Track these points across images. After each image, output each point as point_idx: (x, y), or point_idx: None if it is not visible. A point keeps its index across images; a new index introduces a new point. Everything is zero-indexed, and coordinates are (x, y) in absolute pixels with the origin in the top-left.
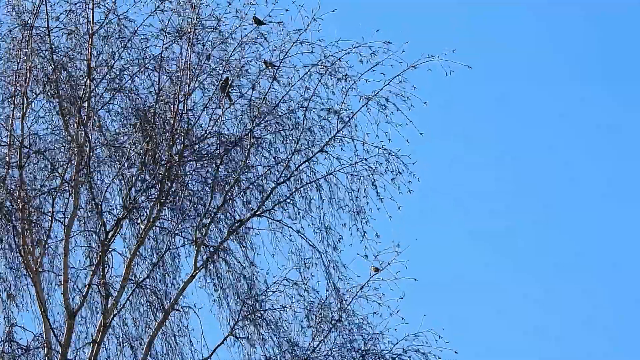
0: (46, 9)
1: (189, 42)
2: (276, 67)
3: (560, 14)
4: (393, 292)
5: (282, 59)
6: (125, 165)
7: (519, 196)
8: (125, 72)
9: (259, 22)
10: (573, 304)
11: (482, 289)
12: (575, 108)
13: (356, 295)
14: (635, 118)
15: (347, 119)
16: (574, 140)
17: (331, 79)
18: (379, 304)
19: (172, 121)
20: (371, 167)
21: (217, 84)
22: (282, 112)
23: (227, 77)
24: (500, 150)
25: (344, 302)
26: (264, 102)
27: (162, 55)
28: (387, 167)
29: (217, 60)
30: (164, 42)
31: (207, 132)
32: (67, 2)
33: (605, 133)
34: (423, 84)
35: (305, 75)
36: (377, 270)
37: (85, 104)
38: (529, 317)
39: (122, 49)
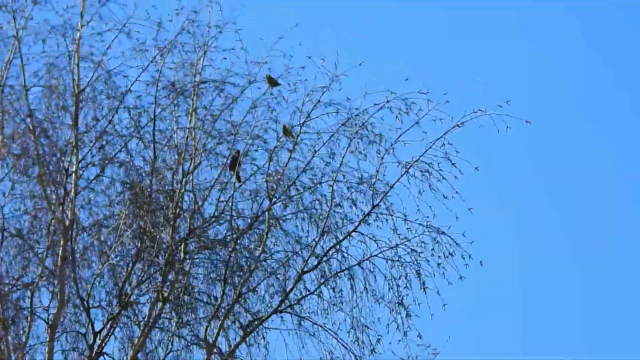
0: (21, 63)
1: (192, 105)
2: (296, 135)
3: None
4: None
5: (303, 123)
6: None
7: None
8: (117, 139)
9: (273, 83)
10: None
11: None
12: None
13: None
14: None
15: (384, 191)
16: None
17: (362, 142)
18: None
19: (172, 200)
20: (415, 251)
21: (226, 156)
22: (305, 186)
23: (237, 151)
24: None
25: None
26: (283, 174)
27: (156, 116)
28: (434, 249)
29: (226, 124)
30: (160, 104)
31: (216, 214)
32: (47, 55)
33: None
34: (471, 142)
35: (330, 140)
36: None
37: (72, 178)
38: None
39: (114, 111)
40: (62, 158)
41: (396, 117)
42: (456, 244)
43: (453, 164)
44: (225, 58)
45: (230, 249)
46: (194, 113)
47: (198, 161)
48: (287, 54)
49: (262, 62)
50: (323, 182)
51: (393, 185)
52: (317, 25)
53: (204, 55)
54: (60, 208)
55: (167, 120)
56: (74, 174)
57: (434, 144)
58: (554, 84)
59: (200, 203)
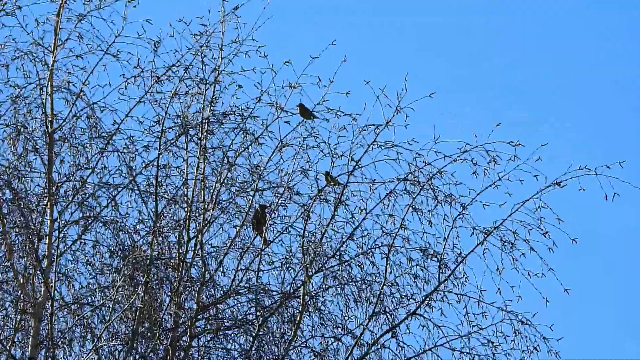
0: None
1: (200, 145)
2: (342, 187)
3: None
4: None
5: (352, 171)
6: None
7: None
8: (103, 190)
9: (307, 114)
10: None
11: None
12: None
13: None
14: None
15: (454, 264)
16: None
17: (428, 201)
18: None
19: (177, 270)
20: (490, 342)
21: (247, 211)
22: (351, 254)
23: (262, 206)
24: None
25: None
26: (324, 237)
27: (159, 164)
28: (514, 341)
29: (246, 170)
30: (160, 144)
31: (234, 287)
32: (13, 86)
33: None
34: (568, 207)
35: (388, 196)
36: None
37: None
38: None
39: (98, 155)
40: (33, 216)
41: (474, 172)
42: (543, 338)
43: (546, 232)
44: (241, 86)
45: (252, 334)
46: (203, 156)
47: (210, 218)
48: (324, 77)
49: (293, 86)
50: (375, 250)
51: (466, 257)
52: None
53: (216, 81)
54: (31, 281)
55: (171, 166)
56: (47, 237)
57: (521, 206)
58: None
59: (212, 272)
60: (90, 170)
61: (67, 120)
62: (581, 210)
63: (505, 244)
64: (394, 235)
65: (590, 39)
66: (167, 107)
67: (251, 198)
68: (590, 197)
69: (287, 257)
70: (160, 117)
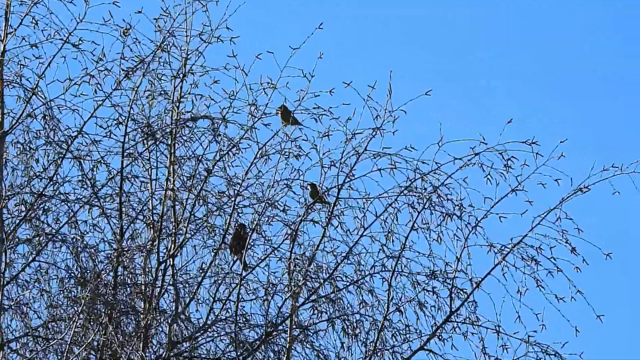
0: None
1: (170, 152)
2: (332, 203)
3: None
4: None
5: (342, 184)
6: None
7: None
8: (60, 205)
9: (288, 119)
10: None
11: None
12: None
13: None
14: None
15: (467, 289)
16: None
17: (434, 215)
18: None
19: (146, 300)
20: None
21: (224, 230)
22: (347, 280)
23: (241, 225)
24: None
25: None
26: (313, 261)
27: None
28: None
29: (223, 182)
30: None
31: (210, 320)
32: None
33: None
34: (600, 216)
35: (387, 211)
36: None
37: None
38: None
39: (56, 163)
40: None
41: (486, 176)
42: None
43: (573, 248)
44: (217, 81)
45: None
46: (172, 166)
47: (183, 239)
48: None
49: (272, 85)
50: (375, 275)
51: (482, 280)
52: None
53: (184, 78)
54: None
55: (137, 176)
56: None
57: (544, 218)
58: None
59: (185, 302)
60: (47, 180)
61: (19, 121)
62: (615, 219)
63: (528, 263)
64: (397, 256)
65: (575, 32)
66: (130, 107)
67: (229, 217)
68: (625, 200)
69: (272, 284)
70: (123, 119)
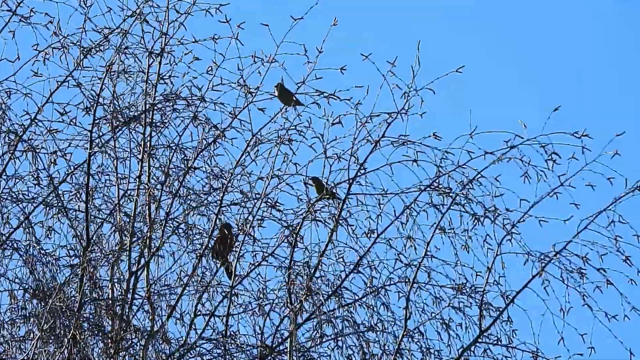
0: None
1: (144, 142)
2: (340, 201)
3: None
4: None
5: (354, 178)
6: None
7: None
8: (12, 205)
9: (287, 99)
10: None
11: None
12: None
13: None
14: None
15: (499, 306)
16: None
17: (463, 217)
18: None
19: (115, 317)
20: None
21: (207, 234)
22: (356, 294)
23: (226, 225)
24: None
25: None
26: (316, 271)
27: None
28: None
29: (206, 176)
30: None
31: (191, 340)
32: None
33: None
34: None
35: (405, 212)
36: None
37: None
38: None
39: (6, 156)
40: None
41: (524, 175)
42: None
43: (626, 257)
44: (198, 58)
45: None
46: (147, 156)
47: (158, 244)
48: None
49: (268, 60)
50: (390, 287)
51: (517, 294)
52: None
53: (161, 55)
54: None
55: (107, 171)
56: None
57: (592, 221)
58: None
59: (162, 319)
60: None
61: None
62: None
63: (572, 275)
64: (417, 265)
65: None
66: (100, 90)
67: (214, 215)
68: None
69: (267, 297)
70: (91, 104)
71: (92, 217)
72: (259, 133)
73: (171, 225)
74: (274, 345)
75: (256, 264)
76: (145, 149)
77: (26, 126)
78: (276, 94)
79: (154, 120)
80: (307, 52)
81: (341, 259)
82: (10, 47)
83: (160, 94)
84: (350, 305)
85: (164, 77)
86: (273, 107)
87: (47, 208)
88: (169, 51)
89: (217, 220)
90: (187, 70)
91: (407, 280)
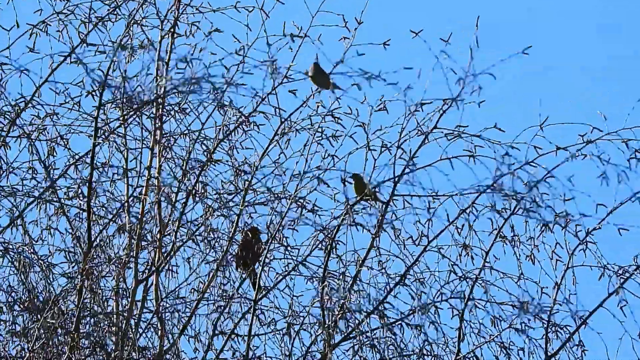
0: None
1: (154, 134)
2: (382, 204)
3: None
4: None
5: (399, 177)
6: None
7: None
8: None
9: (323, 81)
10: None
11: None
12: None
13: None
14: None
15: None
16: None
17: (530, 228)
18: None
19: (120, 333)
20: None
21: (229, 238)
22: (400, 311)
23: (254, 229)
24: None
25: None
26: (353, 286)
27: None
28: None
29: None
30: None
31: None
32: None
33: None
34: None
35: (460, 218)
36: None
37: None
38: None
39: None
40: None
41: (601, 175)
42: None
43: None
44: (219, 30)
45: None
46: (159, 147)
47: (170, 249)
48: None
49: (297, 35)
50: (441, 305)
51: (588, 317)
52: None
53: (172, 35)
54: None
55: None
56: None
57: None
58: None
59: (175, 337)
60: None
61: None
62: None
63: None
64: (473, 279)
65: None
66: (108, 70)
67: (236, 217)
68: None
69: (296, 313)
70: (97, 86)
71: (95, 217)
72: (288, 119)
73: (186, 227)
74: None
75: (284, 274)
76: (160, 139)
77: (22, 108)
78: (311, 74)
79: (171, 105)
80: (347, 23)
81: (384, 270)
82: (7, 13)
83: (181, 73)
84: (393, 325)
85: (184, 57)
86: (305, 90)
87: (44, 203)
88: (191, 22)
89: (240, 223)
90: (205, 46)
91: (461, 295)
